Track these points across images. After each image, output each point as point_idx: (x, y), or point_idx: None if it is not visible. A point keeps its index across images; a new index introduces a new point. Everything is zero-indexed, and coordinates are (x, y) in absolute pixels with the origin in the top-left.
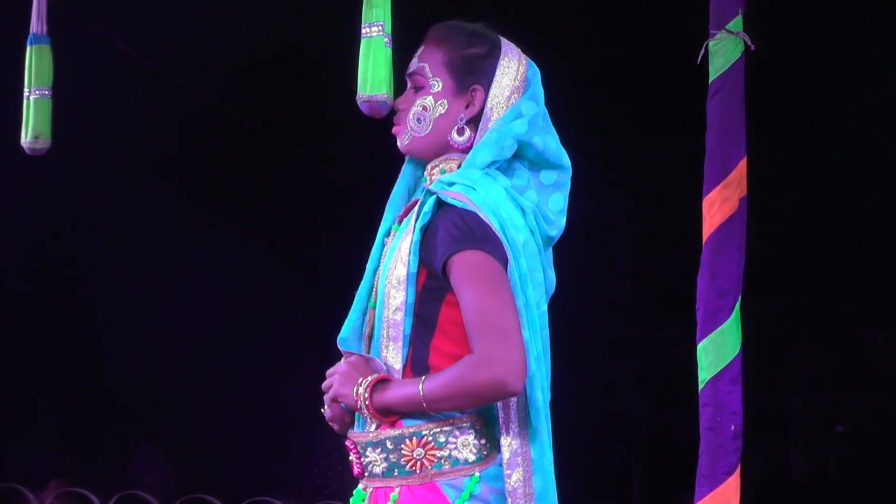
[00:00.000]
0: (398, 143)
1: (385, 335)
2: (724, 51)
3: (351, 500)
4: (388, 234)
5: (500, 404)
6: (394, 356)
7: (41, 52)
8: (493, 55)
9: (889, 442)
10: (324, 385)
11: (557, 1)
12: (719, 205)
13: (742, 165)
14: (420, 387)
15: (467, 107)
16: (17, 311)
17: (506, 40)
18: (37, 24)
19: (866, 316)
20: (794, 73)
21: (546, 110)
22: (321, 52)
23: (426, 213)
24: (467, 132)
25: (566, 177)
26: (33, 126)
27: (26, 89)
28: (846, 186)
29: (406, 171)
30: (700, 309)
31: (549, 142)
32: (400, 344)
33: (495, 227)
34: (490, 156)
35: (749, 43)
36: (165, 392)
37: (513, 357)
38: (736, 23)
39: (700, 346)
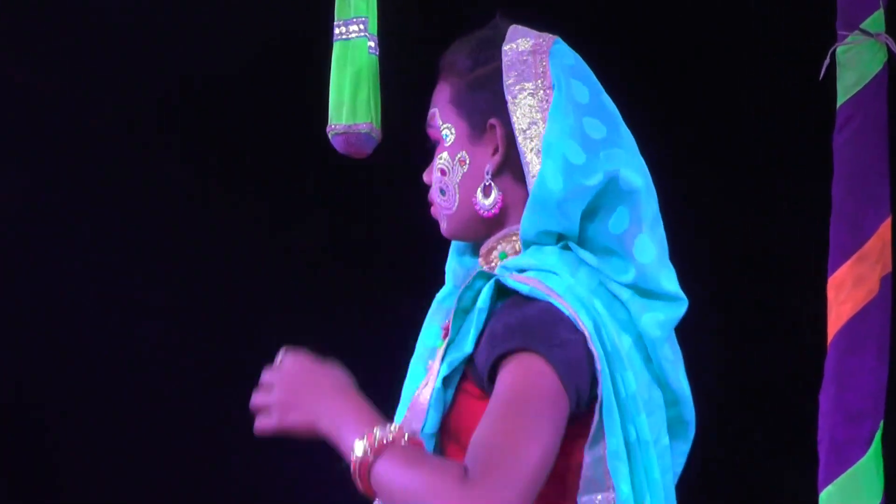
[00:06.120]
0: (441, 231)
1: None
2: (858, 60)
3: None
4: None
5: None
6: None
7: None
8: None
9: None
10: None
11: None
12: (851, 287)
13: (885, 229)
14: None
15: (494, 153)
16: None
17: (517, 29)
18: None
19: None
20: None
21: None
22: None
23: (482, 310)
24: (495, 191)
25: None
26: None
27: None
28: None
29: (453, 263)
30: (823, 440)
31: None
32: None
33: (584, 324)
34: (542, 224)
35: (894, 48)
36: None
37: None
38: (875, 20)
39: (823, 495)
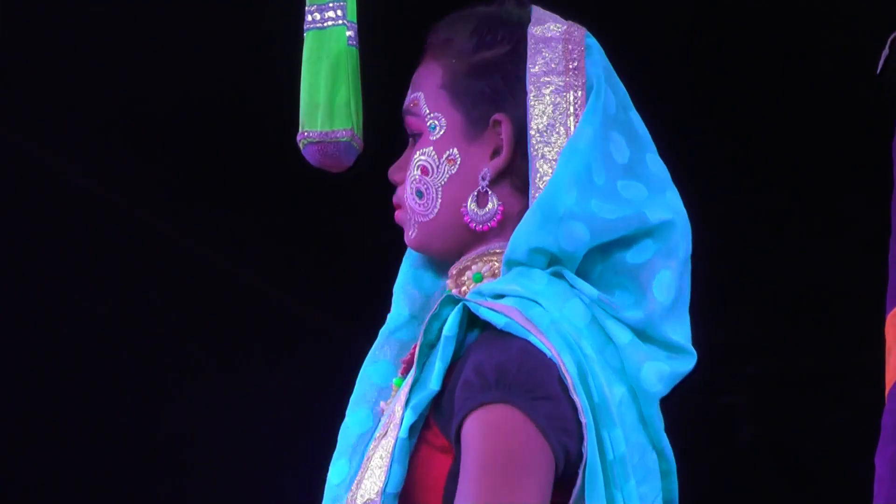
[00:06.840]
0: (406, 239)
1: None
2: None
3: None
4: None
5: None
6: None
7: None
8: (521, 53)
9: None
10: None
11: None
12: None
13: None
14: None
15: (494, 154)
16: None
17: (543, 12)
18: None
19: None
20: None
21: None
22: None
23: (449, 338)
24: (492, 201)
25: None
26: None
27: None
28: None
29: (407, 285)
30: None
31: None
32: None
33: (567, 368)
34: (538, 240)
35: None
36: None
37: None
38: None
39: None
